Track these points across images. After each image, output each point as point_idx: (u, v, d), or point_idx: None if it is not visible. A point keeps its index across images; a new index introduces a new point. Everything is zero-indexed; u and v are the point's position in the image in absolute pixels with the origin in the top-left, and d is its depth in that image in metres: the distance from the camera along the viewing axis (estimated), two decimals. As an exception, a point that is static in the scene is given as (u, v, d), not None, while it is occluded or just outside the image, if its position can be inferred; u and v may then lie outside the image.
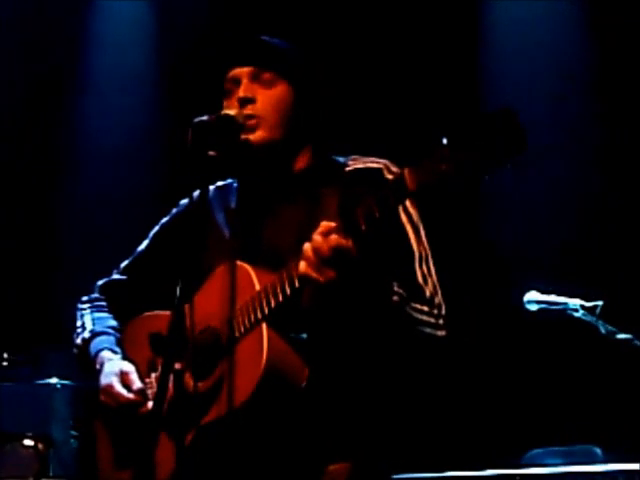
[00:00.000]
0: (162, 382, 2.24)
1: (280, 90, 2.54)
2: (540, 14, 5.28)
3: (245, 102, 2.50)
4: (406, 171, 2.18)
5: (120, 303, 2.76)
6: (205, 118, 2.42)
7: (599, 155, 5.09)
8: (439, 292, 2.44)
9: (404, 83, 5.27)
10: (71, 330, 2.76)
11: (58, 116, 5.71)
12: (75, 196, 5.67)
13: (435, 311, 2.41)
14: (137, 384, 2.52)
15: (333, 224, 2.23)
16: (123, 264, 2.80)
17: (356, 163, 2.54)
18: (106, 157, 5.68)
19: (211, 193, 2.68)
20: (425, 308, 2.39)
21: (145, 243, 2.77)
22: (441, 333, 2.40)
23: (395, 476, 2.99)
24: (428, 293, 2.42)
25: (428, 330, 2.38)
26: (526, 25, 5.31)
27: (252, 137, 2.50)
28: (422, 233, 2.48)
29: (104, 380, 2.56)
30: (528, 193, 5.01)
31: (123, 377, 2.55)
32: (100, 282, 2.83)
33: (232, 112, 2.50)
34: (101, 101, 5.74)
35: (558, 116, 5.13)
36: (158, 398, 2.24)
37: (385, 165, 2.50)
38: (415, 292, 2.40)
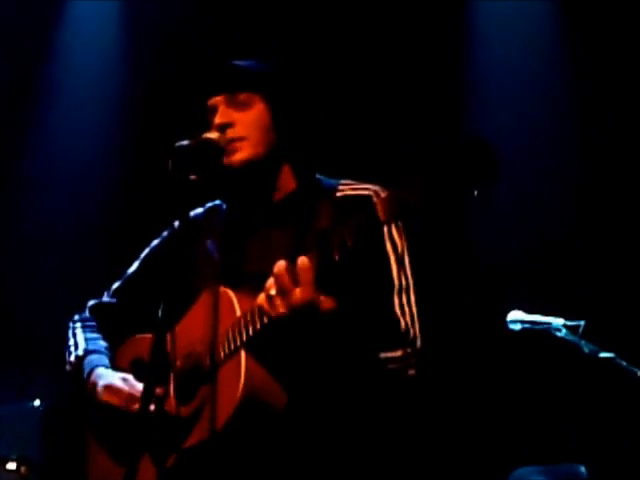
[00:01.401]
0: (143, 406, 2.24)
1: (257, 109, 2.55)
2: (521, 17, 5.28)
3: (223, 128, 2.52)
4: (376, 200, 2.19)
5: (110, 325, 2.78)
6: (186, 143, 2.42)
7: (580, 168, 5.10)
8: (416, 324, 2.45)
9: (382, 93, 5.27)
10: (62, 348, 2.78)
11: (16, 131, 5.60)
12: (33, 213, 5.55)
13: (408, 350, 2.41)
14: (138, 386, 2.54)
15: (284, 264, 2.25)
16: (114, 286, 2.82)
17: (347, 189, 2.55)
18: (65, 175, 5.56)
19: (200, 215, 2.69)
20: (396, 354, 2.40)
21: (135, 265, 2.79)
22: (411, 372, 2.41)
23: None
24: (403, 324, 2.43)
25: (399, 376, 2.40)
26: (507, 29, 5.31)
27: (234, 159, 2.51)
28: (406, 263, 2.49)
29: (106, 381, 2.59)
30: (507, 212, 5.02)
31: (124, 379, 2.58)
32: (91, 303, 2.85)
33: (213, 136, 2.51)
34: (62, 116, 5.63)
35: (537, 128, 5.13)
36: (139, 422, 2.25)
37: (375, 192, 2.49)
38: (390, 322, 2.40)
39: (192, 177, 2.38)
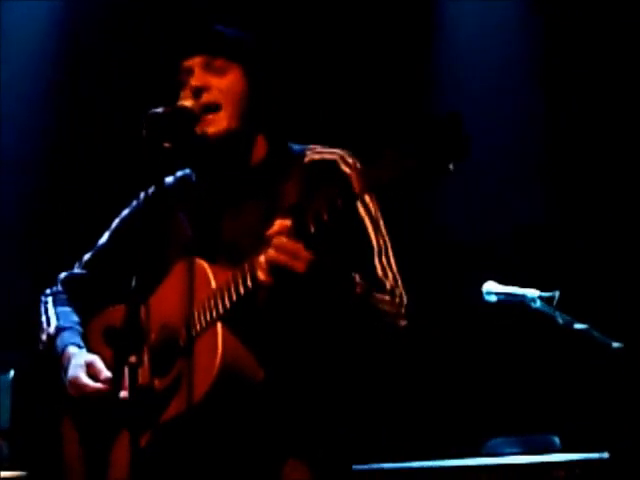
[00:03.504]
0: (115, 375, 2.23)
1: (233, 76, 2.52)
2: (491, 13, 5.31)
3: (199, 91, 2.48)
4: (353, 174, 2.19)
5: (82, 298, 2.74)
6: (160, 110, 2.40)
7: (551, 146, 5.15)
8: (399, 283, 2.46)
9: (355, 75, 5.27)
10: (34, 323, 2.75)
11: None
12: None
13: (397, 300, 2.42)
14: (104, 373, 2.50)
15: (287, 223, 2.23)
16: (85, 258, 2.77)
17: (313, 154, 2.54)
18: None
19: (171, 185, 2.66)
20: (387, 298, 2.40)
21: (106, 237, 2.75)
22: (403, 322, 2.41)
23: (357, 467, 3.00)
24: (389, 285, 2.43)
25: (389, 320, 2.39)
26: (477, 24, 5.33)
27: (209, 131, 2.48)
28: (381, 226, 2.49)
29: (70, 373, 2.54)
30: (479, 183, 5.05)
31: (89, 368, 2.53)
32: (62, 276, 2.80)
33: (187, 103, 2.49)
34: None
35: (506, 109, 5.16)
36: (113, 392, 2.24)
37: (340, 156, 2.49)
38: (376, 284, 2.40)
39: (166, 145, 2.37)
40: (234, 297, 2.31)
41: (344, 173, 2.42)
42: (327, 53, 5.29)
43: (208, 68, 2.51)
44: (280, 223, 2.23)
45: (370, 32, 5.31)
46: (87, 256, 2.77)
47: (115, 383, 2.23)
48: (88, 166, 5.41)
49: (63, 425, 2.66)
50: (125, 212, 2.73)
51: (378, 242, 2.47)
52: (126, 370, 2.19)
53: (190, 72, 2.51)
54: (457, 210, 5.11)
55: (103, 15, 5.45)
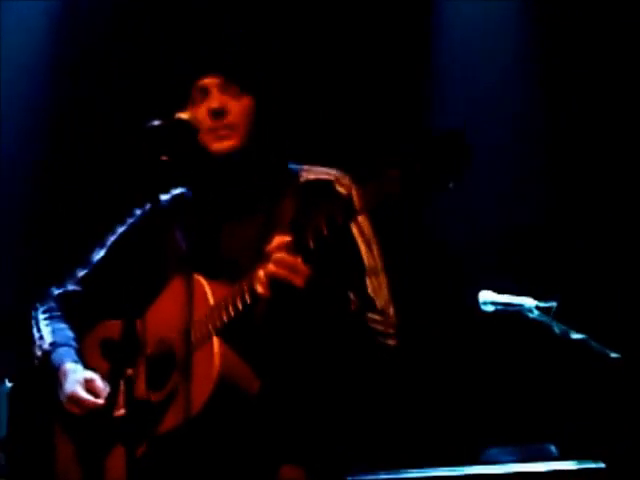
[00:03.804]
0: (112, 387, 2.24)
1: (247, 101, 2.57)
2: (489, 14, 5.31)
3: (219, 113, 2.52)
4: (354, 191, 2.21)
5: (77, 314, 2.75)
6: (157, 122, 2.42)
7: (551, 147, 5.14)
8: (390, 304, 2.49)
9: (352, 81, 5.27)
10: (27, 338, 2.75)
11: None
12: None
13: (388, 320, 2.45)
14: (104, 390, 2.52)
15: (287, 239, 2.25)
16: (79, 274, 2.78)
17: (308, 174, 2.57)
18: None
19: (167, 202, 2.68)
20: (377, 317, 2.42)
21: (102, 253, 2.77)
22: (392, 342, 2.44)
23: (350, 477, 3.02)
24: (379, 305, 2.46)
25: (380, 339, 2.42)
26: (476, 26, 5.33)
27: (224, 145, 2.53)
28: (374, 247, 2.53)
29: (68, 389, 2.56)
30: (476, 192, 5.04)
31: (87, 384, 2.55)
32: (55, 292, 2.81)
33: (185, 116, 2.50)
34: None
35: (504, 113, 5.16)
36: (109, 404, 2.25)
37: (336, 177, 2.54)
38: (367, 303, 2.43)
39: (164, 158, 2.38)
40: (232, 312, 2.35)
41: (340, 194, 2.44)
42: (322, 58, 5.28)
43: (224, 90, 2.56)
44: (279, 239, 2.27)
45: (366, 33, 5.30)
46: (82, 273, 2.78)
47: (111, 396, 2.24)
48: (85, 168, 5.41)
49: (55, 438, 2.67)
50: (121, 229, 2.75)
51: (370, 262, 2.50)
52: (122, 383, 2.21)
53: (205, 92, 2.54)
54: (453, 215, 5.11)
55: (102, 14, 5.45)
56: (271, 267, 2.26)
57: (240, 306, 2.33)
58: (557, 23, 5.10)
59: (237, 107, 2.54)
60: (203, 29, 4.94)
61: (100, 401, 2.50)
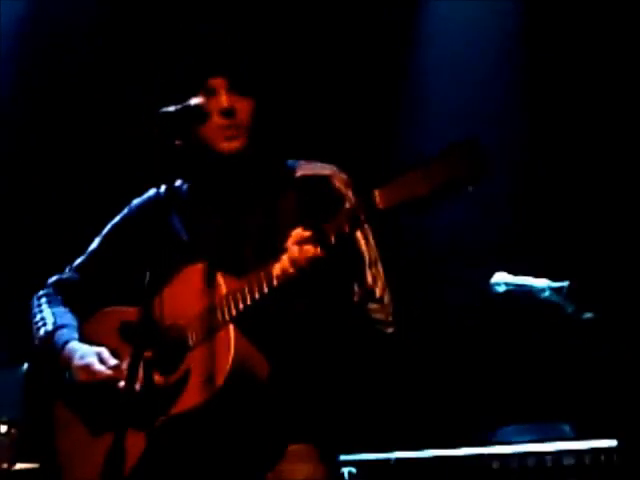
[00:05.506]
0: (132, 369, 2.28)
1: (249, 101, 2.63)
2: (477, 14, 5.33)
3: (230, 112, 2.58)
4: (377, 191, 2.27)
5: (73, 301, 2.81)
6: (171, 109, 2.46)
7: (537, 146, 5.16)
8: (388, 292, 2.58)
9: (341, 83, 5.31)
10: (29, 324, 2.80)
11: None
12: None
13: (386, 308, 2.56)
14: (113, 361, 2.59)
15: (306, 233, 2.33)
16: (76, 263, 2.85)
17: (304, 170, 2.64)
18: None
19: (163, 194, 2.72)
20: (376, 306, 2.52)
21: (98, 242, 2.83)
22: (390, 330, 2.54)
23: (360, 456, 3.09)
24: (378, 293, 2.54)
25: (379, 327, 2.50)
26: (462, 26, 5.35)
27: (233, 145, 2.59)
28: (370, 237, 2.60)
29: (81, 361, 2.61)
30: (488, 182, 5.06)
31: (99, 356, 2.61)
32: (52, 280, 2.88)
33: (198, 101, 2.55)
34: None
35: (488, 113, 5.18)
36: (128, 385, 2.29)
37: (332, 173, 2.61)
38: (368, 294, 2.51)
39: (177, 142, 2.43)
40: (248, 301, 2.42)
41: (337, 189, 2.51)
42: (310, 62, 5.32)
43: (231, 91, 2.61)
44: (299, 233, 2.32)
45: (360, 34, 5.34)
46: (78, 261, 2.86)
47: (130, 378, 2.29)
48: (84, 168, 5.45)
49: (55, 417, 2.73)
50: (116, 219, 2.82)
51: (368, 252, 2.58)
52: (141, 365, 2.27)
53: (213, 92, 2.60)
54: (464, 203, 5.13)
55: (93, 11, 5.48)
56: (294, 251, 2.32)
57: (257, 295, 2.40)
58: (543, 22, 5.12)
59: (244, 107, 2.61)
60: (203, 29, 4.97)
61: (111, 372, 2.56)
